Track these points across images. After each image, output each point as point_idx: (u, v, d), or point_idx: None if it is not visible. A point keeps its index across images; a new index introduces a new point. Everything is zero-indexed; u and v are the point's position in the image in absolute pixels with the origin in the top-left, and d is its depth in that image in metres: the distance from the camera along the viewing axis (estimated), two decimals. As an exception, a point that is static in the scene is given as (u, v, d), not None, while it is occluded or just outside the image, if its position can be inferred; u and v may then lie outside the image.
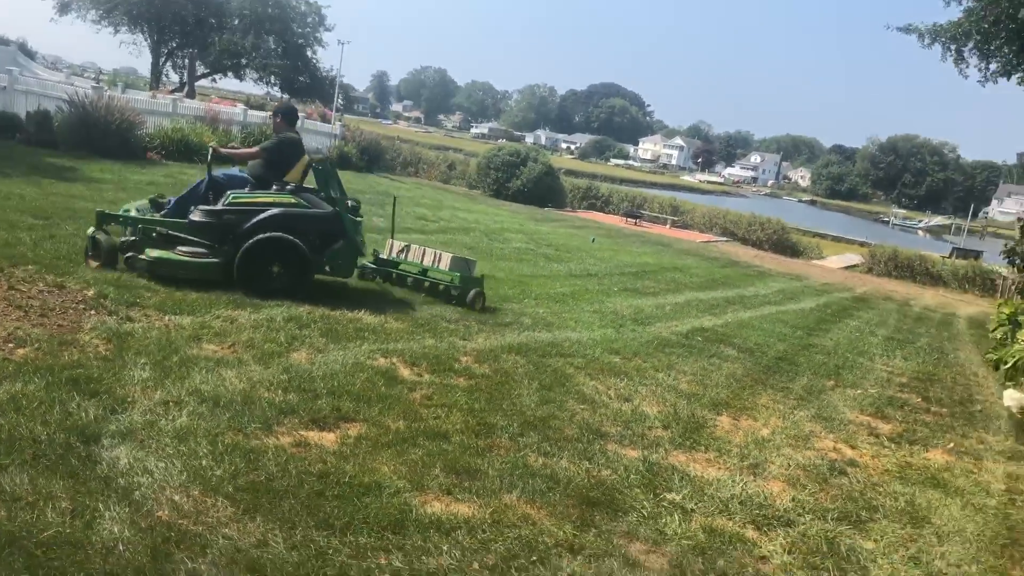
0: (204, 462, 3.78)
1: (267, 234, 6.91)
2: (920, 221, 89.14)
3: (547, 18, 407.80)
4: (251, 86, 50.18)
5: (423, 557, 3.33)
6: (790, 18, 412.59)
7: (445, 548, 3.43)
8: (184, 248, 7.01)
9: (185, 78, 45.38)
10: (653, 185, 70.12)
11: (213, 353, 5.36)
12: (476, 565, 3.36)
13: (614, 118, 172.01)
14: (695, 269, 17.30)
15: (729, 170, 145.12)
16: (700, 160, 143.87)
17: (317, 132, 27.30)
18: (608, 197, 33.72)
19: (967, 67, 18.55)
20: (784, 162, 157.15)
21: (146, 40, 43.40)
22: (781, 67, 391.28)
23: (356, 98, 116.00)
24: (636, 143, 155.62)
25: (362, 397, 5.03)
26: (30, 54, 35.71)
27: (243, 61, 45.69)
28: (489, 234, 16.31)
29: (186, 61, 45.42)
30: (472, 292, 8.32)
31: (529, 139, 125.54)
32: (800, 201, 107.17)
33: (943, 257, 28.85)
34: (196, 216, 7.05)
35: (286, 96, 47.88)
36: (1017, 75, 17.69)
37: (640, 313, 10.10)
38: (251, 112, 25.16)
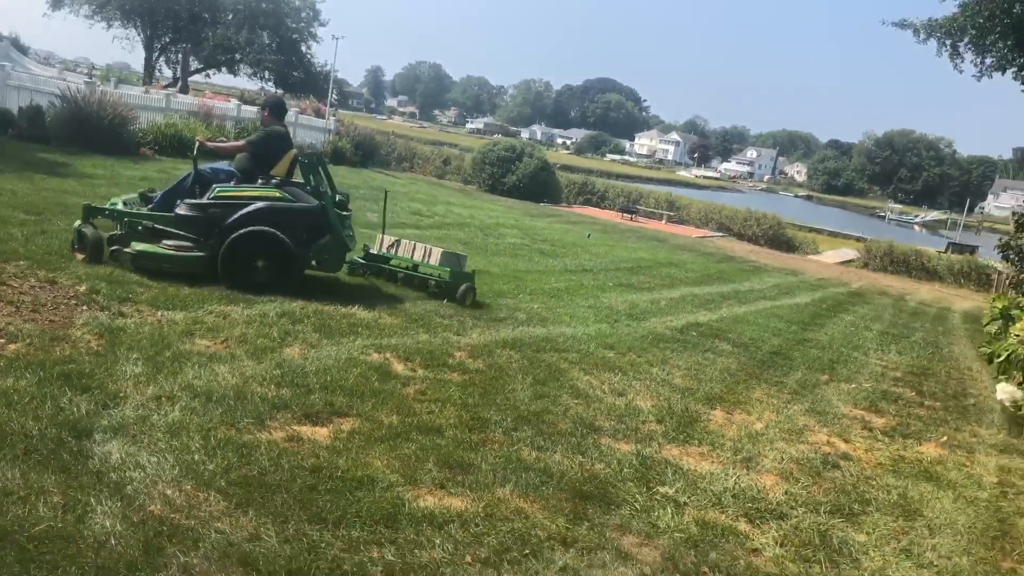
0: (196, 457, 3.78)
1: (251, 228, 6.89)
2: (916, 216, 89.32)
3: (543, 13, 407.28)
4: (245, 81, 49.96)
5: (416, 550, 3.34)
6: (786, 13, 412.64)
7: (438, 541, 3.43)
8: (169, 242, 7.00)
9: (178, 73, 45.17)
10: (649, 180, 70.12)
11: (206, 348, 5.35)
12: (469, 558, 3.36)
13: (610, 113, 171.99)
14: (690, 264, 17.32)
15: (725, 165, 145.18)
16: (696, 155, 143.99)
17: (311, 127, 27.24)
18: (604, 192, 33.71)
19: (962, 62, 18.55)
20: (780, 157, 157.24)
21: (139, 35, 43.17)
22: (777, 62, 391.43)
23: (350, 93, 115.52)
24: (632, 138, 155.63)
25: (355, 392, 5.02)
26: (23, 49, 35.57)
27: (237, 56, 45.44)
28: (484, 229, 16.30)
29: (179, 56, 45.20)
30: (462, 287, 8.29)
31: (525, 134, 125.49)
32: (796, 196, 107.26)
33: (939, 252, 28.92)
34: (182, 210, 7.04)
35: (279, 91, 47.73)
36: (1012, 69, 17.70)
37: (635, 308, 10.11)
38: (245, 107, 25.10)
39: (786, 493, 4.73)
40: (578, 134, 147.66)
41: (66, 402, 4.05)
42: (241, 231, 6.87)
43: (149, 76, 43.06)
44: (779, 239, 29.25)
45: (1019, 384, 7.73)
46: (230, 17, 44.58)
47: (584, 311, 9.31)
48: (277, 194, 7.13)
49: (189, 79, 44.31)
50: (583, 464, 4.61)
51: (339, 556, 3.18)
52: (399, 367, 5.78)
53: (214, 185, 7.21)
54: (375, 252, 8.87)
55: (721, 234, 29.23)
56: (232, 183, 7.34)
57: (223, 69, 47.19)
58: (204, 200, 7.07)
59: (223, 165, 7.81)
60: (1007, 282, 18.78)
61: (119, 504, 3.24)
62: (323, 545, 3.24)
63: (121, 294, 6.14)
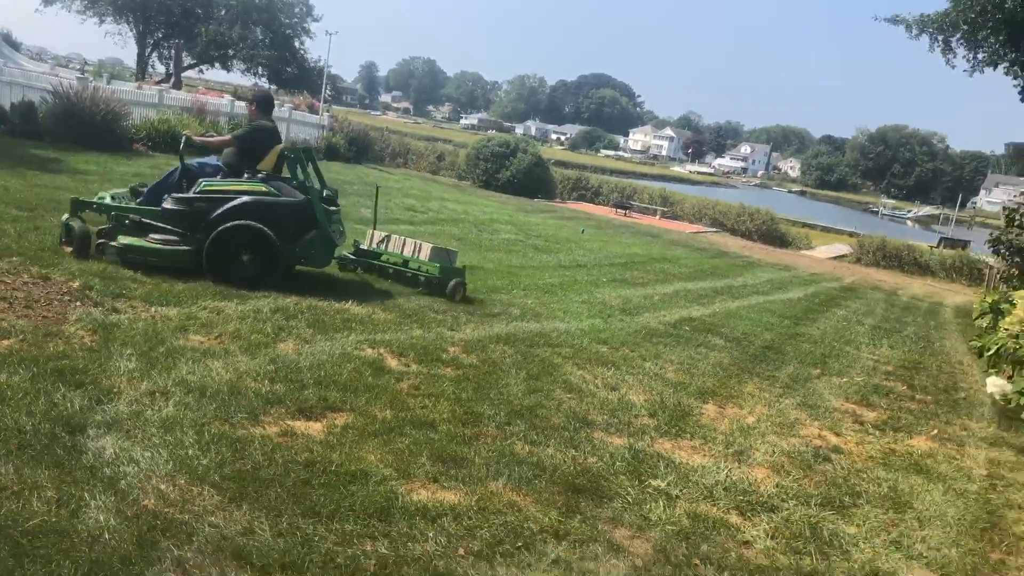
0: (190, 451, 3.79)
1: (235, 222, 6.89)
2: (909, 211, 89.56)
3: (537, 8, 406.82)
4: (238, 77, 49.80)
5: (409, 543, 3.36)
6: (781, 9, 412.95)
7: (431, 534, 3.45)
8: (156, 236, 7.01)
9: (171, 69, 45.01)
10: (643, 176, 70.22)
11: (200, 344, 5.36)
12: (462, 551, 3.39)
13: (604, 109, 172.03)
14: (684, 260, 17.35)
15: (719, 161, 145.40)
16: (690, 151, 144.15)
17: (305, 123, 27.18)
18: (598, 188, 33.74)
19: (954, 57, 18.65)
20: (774, 153, 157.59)
21: (131, 31, 43.04)
22: (771, 58, 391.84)
23: (344, 89, 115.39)
24: (626, 134, 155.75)
25: (349, 387, 5.04)
26: (15, 45, 35.36)
27: (230, 52, 45.30)
28: (478, 225, 16.31)
29: (172, 52, 45.04)
30: (452, 282, 8.26)
31: (519, 130, 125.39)
32: (790, 191, 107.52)
33: (931, 247, 29.01)
34: (168, 204, 7.06)
35: (273, 87, 47.60)
36: (1004, 64, 17.78)
37: (628, 303, 10.14)
38: (238, 103, 24.99)
39: (777, 486, 4.76)
40: (572, 130, 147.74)
41: (60, 398, 4.06)
42: (225, 225, 6.87)
43: (142, 72, 42.94)
44: (772, 234, 29.32)
45: (1009, 378, 7.78)
46: (223, 13, 44.45)
47: (578, 306, 9.33)
48: (262, 188, 7.13)
49: (182, 75, 44.15)
50: (576, 458, 4.64)
51: (332, 549, 3.21)
52: (393, 362, 5.79)
53: (200, 179, 7.22)
54: (365, 248, 8.86)
55: (715, 229, 29.28)
56: (218, 177, 7.35)
57: (216, 65, 47.08)
58: (190, 194, 7.08)
59: (211, 160, 7.81)
60: (998, 276, 18.88)
61: (113, 499, 3.25)
62: (316, 538, 3.26)
63: (115, 290, 6.14)
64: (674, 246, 20.39)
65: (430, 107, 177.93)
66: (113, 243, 6.97)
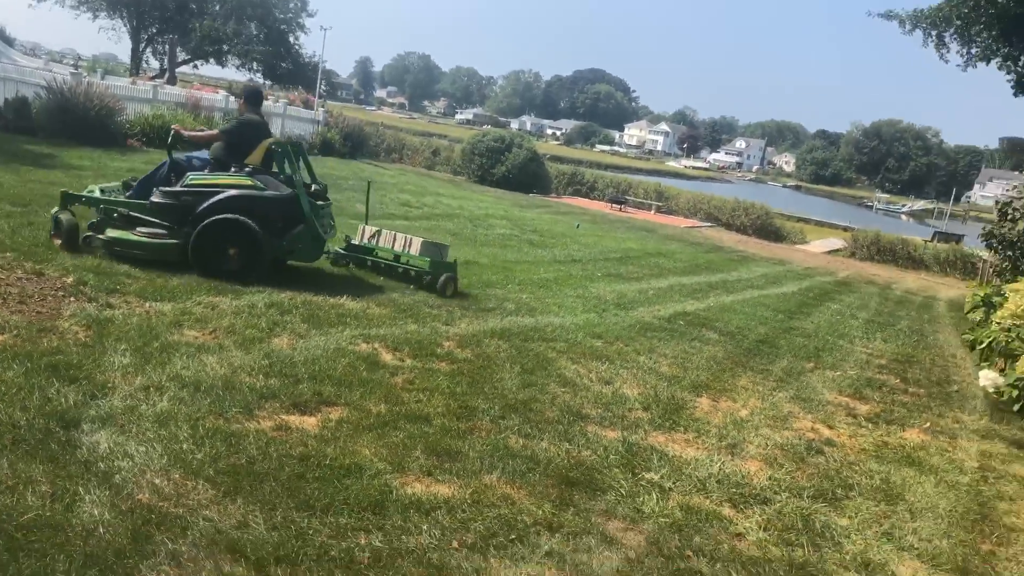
0: (185, 446, 3.80)
1: (220, 216, 6.90)
2: (903, 205, 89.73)
3: (532, 3, 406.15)
4: (233, 72, 49.74)
5: (403, 536, 3.38)
6: (776, 4, 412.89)
7: (425, 527, 3.47)
8: (143, 229, 7.02)
9: (166, 64, 44.87)
10: (638, 171, 70.14)
11: (194, 339, 5.37)
12: (455, 543, 3.40)
13: (599, 104, 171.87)
14: (679, 254, 17.38)
15: (714, 156, 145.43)
16: (685, 146, 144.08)
17: (300, 118, 27.12)
18: (593, 183, 33.73)
19: (948, 52, 18.69)
20: (769, 147, 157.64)
21: (125, 26, 42.90)
22: (767, 53, 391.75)
23: (339, 84, 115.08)
24: (621, 129, 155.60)
25: (343, 382, 5.05)
26: (8, 40, 35.21)
27: (225, 47, 45.20)
28: (473, 220, 16.31)
29: (166, 47, 44.89)
30: (443, 277, 8.22)
31: (514, 125, 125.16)
32: (785, 186, 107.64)
33: (925, 241, 29.10)
34: (156, 197, 7.08)
35: (268, 82, 47.49)
36: (996, 59, 17.82)
37: (623, 298, 10.16)
38: (233, 99, 24.95)
39: (770, 478, 4.79)
40: (567, 125, 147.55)
41: (54, 393, 4.07)
42: (210, 219, 6.88)
43: (136, 67, 42.79)
44: (767, 229, 29.36)
45: (1001, 371, 7.83)
46: (217, 8, 44.32)
47: (572, 301, 9.35)
48: (248, 182, 7.12)
49: (177, 70, 43.97)
50: (570, 451, 4.66)
51: (326, 542, 3.22)
52: (387, 357, 5.80)
53: (188, 173, 7.23)
54: (357, 243, 8.83)
55: (709, 224, 29.32)
56: (206, 171, 7.35)
57: (211, 60, 46.94)
58: (177, 188, 7.09)
59: (201, 154, 7.80)
60: (991, 270, 18.95)
61: (107, 493, 3.26)
62: (311, 532, 3.27)
63: (109, 285, 6.14)
64: (669, 241, 20.42)
65: (425, 102, 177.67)
66: (100, 236, 7.02)
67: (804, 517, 4.30)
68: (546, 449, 4.61)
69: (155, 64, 46.51)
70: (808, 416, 6.32)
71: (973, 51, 18.23)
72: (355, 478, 3.79)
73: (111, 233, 6.99)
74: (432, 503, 3.70)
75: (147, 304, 5.92)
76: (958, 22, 17.53)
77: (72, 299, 5.69)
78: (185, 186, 7.07)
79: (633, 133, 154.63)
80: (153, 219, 7.04)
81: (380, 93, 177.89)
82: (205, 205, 6.92)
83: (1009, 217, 15.45)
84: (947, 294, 19.26)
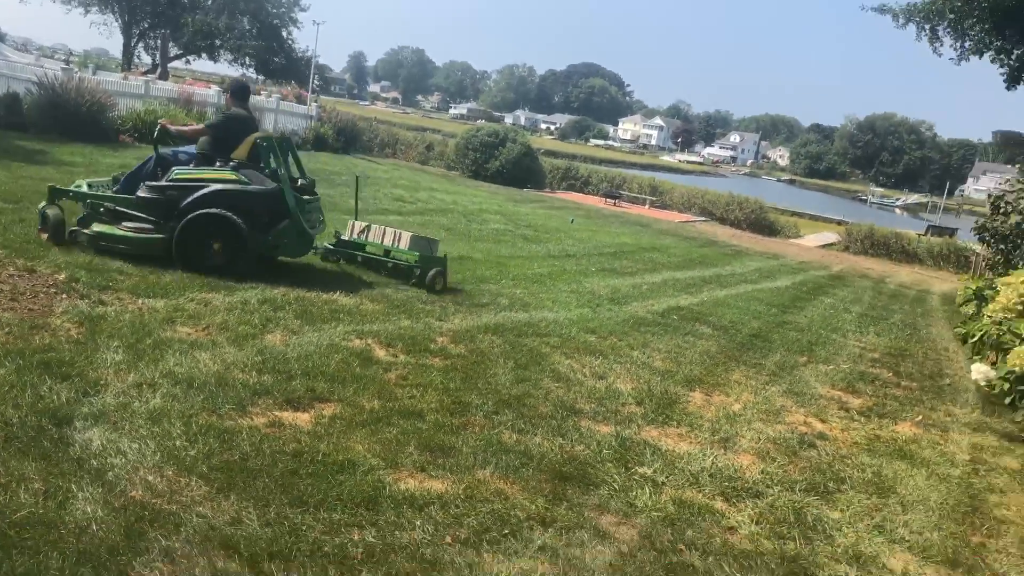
0: (178, 443, 3.80)
1: (203, 210, 6.88)
2: (897, 199, 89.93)
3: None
4: (226, 67, 49.45)
5: (396, 532, 3.38)
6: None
7: (418, 523, 3.48)
8: (130, 224, 7.02)
9: (157, 59, 44.70)
10: (633, 165, 70.22)
11: (187, 335, 5.36)
12: (449, 539, 3.41)
13: (593, 98, 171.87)
14: (673, 249, 17.40)
15: (708, 150, 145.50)
16: (680, 140, 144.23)
17: (293, 113, 27.05)
18: (587, 178, 33.73)
19: (941, 46, 18.73)
20: (763, 141, 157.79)
21: (117, 21, 42.70)
22: (760, 47, 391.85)
23: (333, 79, 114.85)
24: (616, 123, 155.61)
25: (337, 378, 5.05)
26: (-1, 36, 35.05)
27: (217, 42, 45.00)
28: (467, 215, 16.31)
29: (158, 42, 44.73)
30: (432, 272, 8.15)
31: (508, 120, 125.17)
32: (779, 180, 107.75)
33: (919, 235, 29.18)
34: (142, 192, 7.07)
35: (261, 77, 47.34)
36: (989, 53, 17.86)
37: (617, 293, 10.17)
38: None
39: (762, 472, 4.81)
40: (562, 119, 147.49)
41: (46, 390, 4.06)
42: (193, 213, 6.87)
43: (128, 62, 42.61)
44: (761, 223, 29.41)
45: (992, 364, 7.86)
46: (209, 2, 44.15)
47: (566, 296, 9.36)
48: (232, 177, 7.09)
49: (169, 65, 43.85)
50: (563, 446, 4.67)
51: (320, 538, 3.23)
52: (381, 353, 5.81)
53: (173, 168, 7.23)
54: (346, 238, 8.78)
55: (704, 219, 29.35)
56: (191, 166, 7.34)
57: (203, 55, 46.75)
58: (163, 183, 7.09)
59: (190, 149, 7.78)
60: (984, 264, 19.02)
61: (100, 490, 3.26)
62: (304, 528, 3.28)
63: (101, 282, 6.13)
64: (663, 235, 20.44)
65: (419, 97, 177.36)
66: (86, 231, 7.01)
67: (796, 510, 4.32)
68: (539, 444, 4.63)
69: (147, 59, 46.36)
70: (801, 410, 6.35)
71: (966, 44, 18.27)
72: (348, 474, 3.80)
73: (96, 228, 7.00)
74: (425, 499, 3.71)
75: (140, 301, 5.91)
76: (951, 16, 17.57)
77: (64, 296, 5.67)
78: (170, 181, 7.07)
79: (627, 127, 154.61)
80: (139, 214, 7.04)
81: (374, 88, 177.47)
82: (189, 200, 6.91)
83: (1001, 211, 15.50)
84: (940, 288, 19.33)
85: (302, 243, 7.62)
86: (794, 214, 37.88)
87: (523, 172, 29.79)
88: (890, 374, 8.30)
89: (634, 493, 4.19)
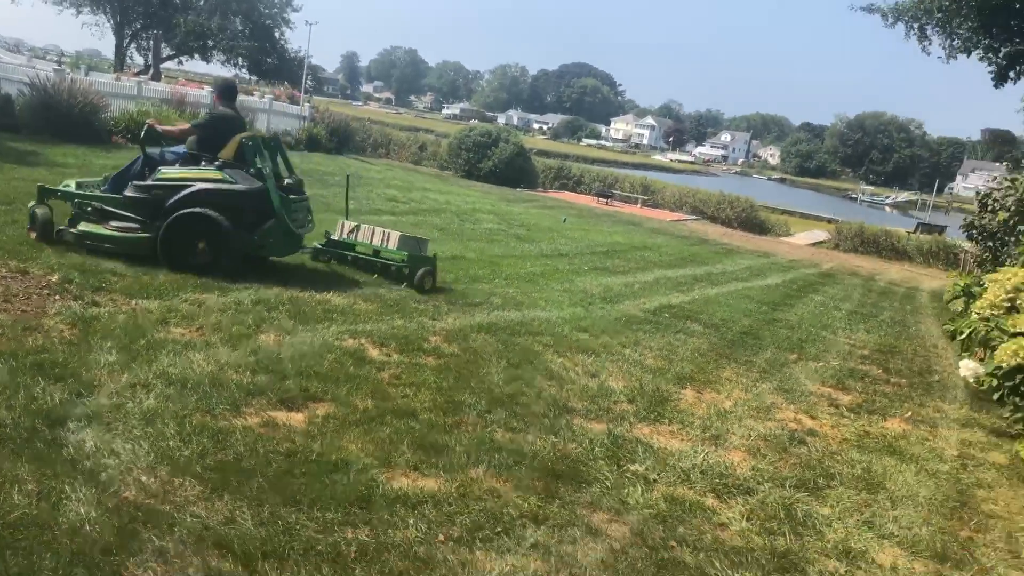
0: (171, 443, 3.82)
1: (187, 210, 6.90)
2: (887, 197, 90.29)
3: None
4: (218, 68, 49.27)
5: (389, 530, 3.41)
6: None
7: (411, 521, 3.50)
8: (116, 223, 7.04)
9: (150, 60, 44.51)
10: (625, 165, 70.33)
11: (181, 336, 5.37)
12: (442, 537, 3.44)
13: (586, 98, 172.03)
14: (664, 247, 17.45)
15: (700, 149, 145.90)
16: (671, 139, 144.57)
17: (285, 114, 27.00)
18: (580, 177, 33.78)
19: (930, 44, 18.85)
20: (754, 140, 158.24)
21: (109, 21, 42.49)
22: (750, 46, 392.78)
23: (325, 79, 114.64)
24: (608, 123, 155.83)
25: (330, 377, 5.07)
26: (-11, 37, 34.90)
27: (209, 43, 44.82)
28: (460, 215, 16.32)
29: (151, 43, 44.52)
30: (420, 272, 8.13)
31: (501, 119, 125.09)
32: (770, 179, 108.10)
33: (908, 233, 29.29)
34: (129, 191, 7.10)
35: (253, 77, 47.22)
36: (977, 51, 17.97)
37: (609, 291, 10.21)
38: (217, 94, 24.78)
39: (753, 469, 4.85)
40: (554, 119, 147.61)
41: (39, 391, 4.07)
42: (177, 213, 6.89)
43: (120, 63, 42.42)
44: (752, 222, 29.50)
45: (980, 360, 7.92)
46: (202, 3, 43.96)
47: (559, 295, 9.39)
48: (217, 176, 7.10)
49: (161, 66, 43.66)
50: (555, 444, 4.70)
51: (313, 537, 3.25)
52: (374, 352, 5.83)
53: (159, 167, 7.24)
54: (336, 238, 8.75)
55: (695, 217, 29.42)
56: (176, 165, 7.36)
57: (196, 56, 46.55)
58: (148, 182, 7.10)
59: (179, 149, 7.78)
60: (973, 261, 19.14)
61: (94, 491, 3.28)
62: (298, 527, 3.30)
63: (94, 283, 6.13)
64: (655, 234, 20.50)
65: (412, 97, 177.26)
66: (72, 230, 7.05)
67: (786, 507, 4.36)
68: (532, 442, 4.65)
69: (139, 60, 46.15)
70: (791, 407, 6.39)
71: (954, 43, 18.40)
72: (342, 473, 3.82)
73: (82, 227, 7.04)
74: (418, 497, 3.73)
75: (133, 302, 5.91)
76: (939, 15, 17.68)
77: (57, 297, 5.68)
78: (156, 180, 7.09)
79: (619, 127, 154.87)
80: (126, 213, 7.06)
81: (367, 88, 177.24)
82: (174, 199, 6.93)
83: (989, 208, 15.59)
84: (930, 285, 19.43)
85: (288, 243, 7.63)
86: (785, 212, 38.02)
87: (516, 172, 29.82)
88: (879, 371, 8.36)
89: (626, 490, 4.22)
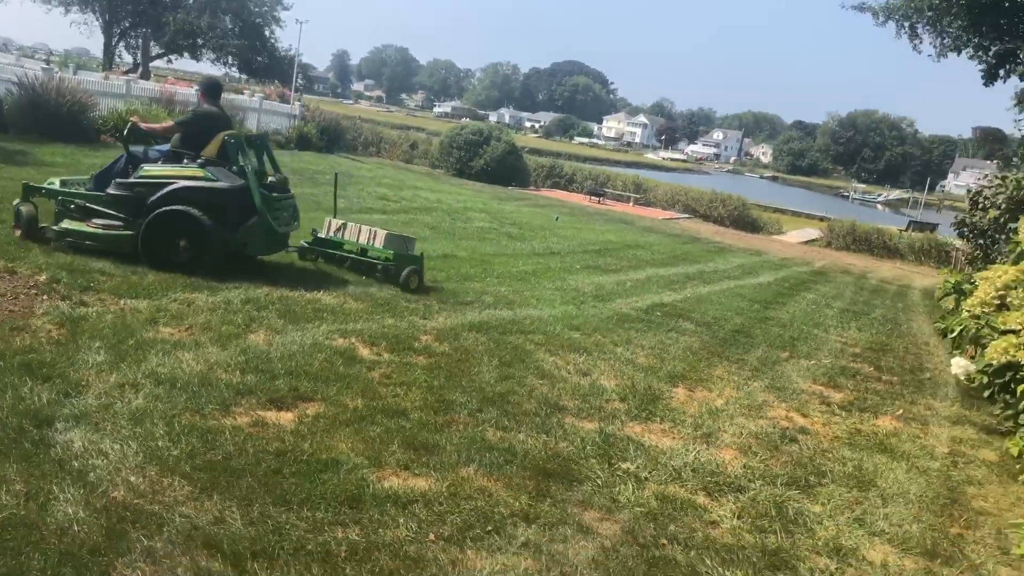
0: (160, 443, 3.79)
1: (168, 207, 6.87)
2: (879, 195, 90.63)
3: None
4: (208, 67, 49.07)
5: (380, 530, 3.40)
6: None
7: (402, 521, 3.49)
8: (99, 220, 7.02)
9: (139, 59, 44.29)
10: (617, 163, 70.39)
11: (170, 336, 5.34)
12: (432, 536, 3.43)
13: (577, 96, 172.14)
14: (657, 246, 17.47)
15: (692, 147, 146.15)
16: (663, 138, 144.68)
17: (276, 112, 26.90)
18: (572, 175, 33.75)
19: (920, 43, 18.92)
20: (746, 138, 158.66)
21: (97, 20, 42.28)
22: (743, 44, 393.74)
23: (316, 78, 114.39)
24: (600, 121, 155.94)
25: (320, 377, 5.05)
26: (-23, 35, 34.69)
27: (199, 41, 44.62)
28: (452, 213, 16.29)
29: (139, 41, 44.29)
30: (406, 270, 8.06)
31: (493, 118, 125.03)
32: (762, 177, 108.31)
33: (900, 230, 29.39)
34: (112, 189, 7.08)
35: (244, 76, 47.04)
36: (967, 49, 18.04)
37: (601, 290, 10.21)
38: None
39: (744, 467, 4.86)
40: (546, 117, 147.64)
41: (27, 391, 4.04)
42: (158, 210, 6.86)
43: (109, 62, 42.20)
44: (744, 220, 29.54)
45: (971, 358, 7.95)
46: (191, 1, 43.77)
47: (551, 293, 9.38)
48: (199, 174, 7.07)
49: (151, 65, 43.43)
50: (547, 443, 4.69)
51: (304, 537, 3.23)
52: (364, 351, 5.81)
53: (141, 165, 7.21)
54: (323, 236, 8.70)
55: (687, 216, 29.46)
56: (159, 163, 7.33)
57: (185, 54, 46.35)
58: (131, 180, 7.08)
59: (163, 147, 7.74)
60: (964, 259, 19.22)
61: (82, 491, 3.26)
62: (288, 527, 3.28)
63: (82, 283, 6.10)
64: (647, 232, 20.51)
65: (403, 95, 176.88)
66: (54, 227, 7.04)
67: (777, 504, 4.37)
68: (523, 441, 4.65)
69: (128, 59, 45.93)
70: (782, 405, 6.40)
71: (945, 41, 18.47)
72: (332, 473, 3.80)
73: (65, 224, 7.02)
74: (409, 496, 3.72)
75: (122, 301, 5.88)
76: (929, 13, 17.75)
77: (45, 297, 5.64)
78: (138, 178, 7.06)
79: (611, 125, 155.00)
80: (109, 211, 7.05)
81: (357, 86, 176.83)
82: (155, 196, 6.91)
83: (980, 206, 15.67)
84: (921, 283, 19.49)
85: (271, 241, 7.60)
86: (777, 210, 38.09)
87: (507, 170, 29.79)
88: (871, 369, 8.38)
89: (617, 489, 4.22)
